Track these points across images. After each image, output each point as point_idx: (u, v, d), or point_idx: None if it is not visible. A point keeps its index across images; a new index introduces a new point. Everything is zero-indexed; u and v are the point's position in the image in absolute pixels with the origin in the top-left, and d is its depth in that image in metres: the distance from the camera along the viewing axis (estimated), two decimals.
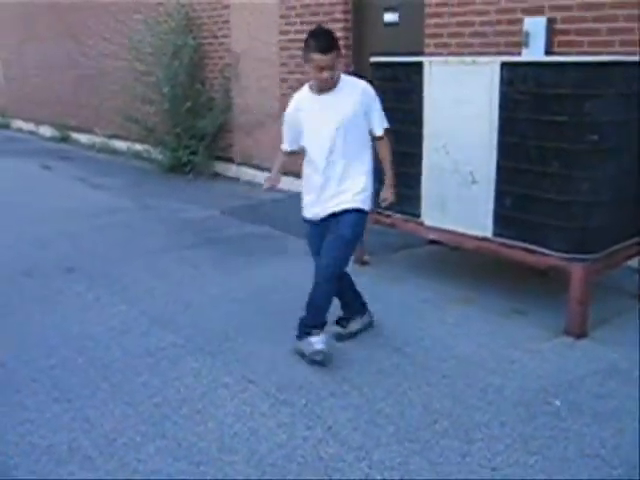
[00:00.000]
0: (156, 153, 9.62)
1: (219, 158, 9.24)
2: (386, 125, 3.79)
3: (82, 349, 3.84)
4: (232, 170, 9.14)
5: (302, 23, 7.55)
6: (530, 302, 4.43)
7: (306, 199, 3.84)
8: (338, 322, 4.00)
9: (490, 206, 4.29)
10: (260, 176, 8.53)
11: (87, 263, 5.39)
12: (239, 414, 3.15)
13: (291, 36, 7.77)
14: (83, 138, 12.64)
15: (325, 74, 3.51)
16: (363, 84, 3.70)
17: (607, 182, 3.96)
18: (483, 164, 4.28)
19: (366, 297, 4.08)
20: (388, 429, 3.02)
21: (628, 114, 4.00)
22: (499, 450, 2.87)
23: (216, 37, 9.06)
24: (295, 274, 5.00)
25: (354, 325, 3.99)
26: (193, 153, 9.00)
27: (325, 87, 3.60)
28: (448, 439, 2.95)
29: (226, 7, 8.78)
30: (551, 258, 4.02)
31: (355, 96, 3.63)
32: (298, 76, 7.71)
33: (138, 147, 10.47)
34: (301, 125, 3.71)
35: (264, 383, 3.43)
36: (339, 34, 7.12)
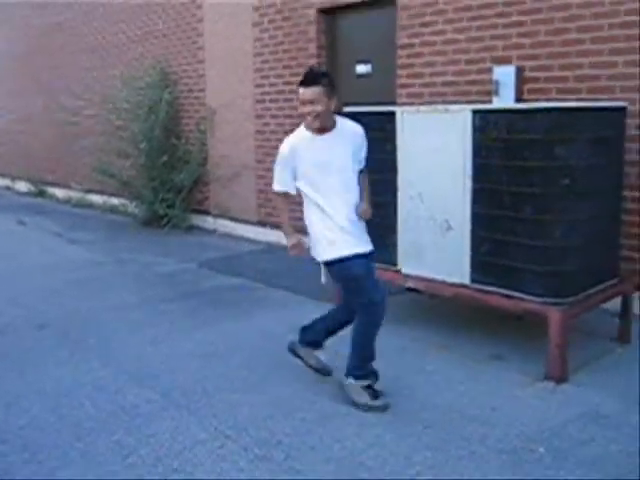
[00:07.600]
0: (132, 207, 9.62)
1: (195, 210, 9.24)
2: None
3: (54, 407, 3.73)
4: (209, 222, 9.12)
5: (276, 76, 7.65)
6: (509, 348, 4.41)
7: (332, 236, 3.63)
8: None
9: (466, 253, 4.30)
10: (237, 228, 8.54)
11: (61, 319, 5.28)
12: (217, 471, 3.06)
13: (266, 89, 7.86)
14: (59, 193, 12.59)
15: (305, 108, 3.53)
16: (358, 128, 3.77)
17: (580, 226, 3.99)
18: (458, 211, 4.30)
19: (343, 346, 4.00)
20: None
21: (598, 158, 4.06)
22: None
23: (191, 91, 9.14)
24: (273, 326, 4.94)
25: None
26: (169, 206, 8.99)
27: (311, 124, 3.56)
28: None
29: (201, 62, 8.89)
30: (528, 303, 4.02)
31: (352, 138, 3.71)
32: (273, 127, 7.79)
33: (114, 201, 10.44)
34: (300, 164, 3.62)
35: (242, 438, 3.35)
36: None
